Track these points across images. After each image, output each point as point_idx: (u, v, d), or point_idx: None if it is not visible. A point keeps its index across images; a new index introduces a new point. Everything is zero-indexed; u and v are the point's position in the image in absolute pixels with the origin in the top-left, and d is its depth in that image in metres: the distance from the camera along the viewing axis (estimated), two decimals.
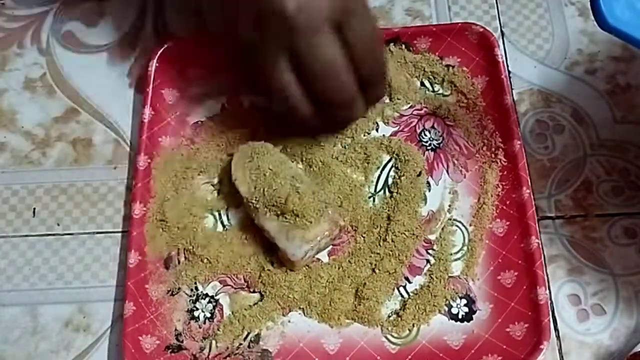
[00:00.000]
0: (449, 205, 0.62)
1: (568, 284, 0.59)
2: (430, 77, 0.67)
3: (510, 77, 0.67)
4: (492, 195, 0.61)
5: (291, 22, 0.53)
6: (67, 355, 0.59)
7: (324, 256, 0.61)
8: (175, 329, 0.59)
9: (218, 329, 0.58)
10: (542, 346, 0.54)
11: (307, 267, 0.60)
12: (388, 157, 0.64)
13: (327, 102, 0.58)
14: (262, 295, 0.59)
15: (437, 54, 0.68)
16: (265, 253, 0.61)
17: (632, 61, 0.67)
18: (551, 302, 0.58)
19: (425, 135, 0.65)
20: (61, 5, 0.74)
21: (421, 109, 0.66)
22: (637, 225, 0.61)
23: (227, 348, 0.58)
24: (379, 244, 0.60)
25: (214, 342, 0.58)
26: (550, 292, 0.59)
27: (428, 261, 0.60)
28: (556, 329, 0.58)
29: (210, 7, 0.59)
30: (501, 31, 0.70)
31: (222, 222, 0.63)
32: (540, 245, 0.58)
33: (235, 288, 0.60)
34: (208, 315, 0.59)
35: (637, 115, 0.65)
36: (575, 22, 0.70)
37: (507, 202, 0.61)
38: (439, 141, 0.65)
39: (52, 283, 0.62)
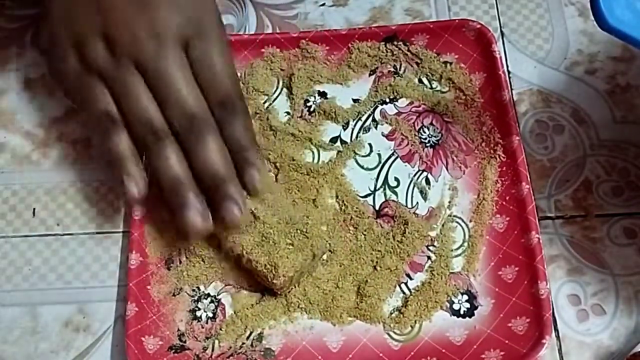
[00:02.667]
0: (449, 202, 0.62)
1: (568, 284, 0.59)
2: (428, 74, 0.67)
3: (510, 77, 0.67)
4: (491, 191, 0.61)
5: (141, 41, 0.54)
6: (66, 355, 0.59)
7: (323, 255, 0.60)
8: (178, 329, 0.59)
9: (221, 329, 0.58)
10: (544, 340, 0.54)
11: None
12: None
13: (179, 128, 0.56)
14: (263, 295, 0.59)
15: (434, 50, 0.68)
16: None
17: (632, 61, 0.67)
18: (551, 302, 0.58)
19: (424, 132, 0.65)
20: None
21: (419, 106, 0.66)
22: (637, 225, 0.61)
23: (230, 347, 0.58)
24: (380, 242, 0.60)
25: (216, 341, 0.58)
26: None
27: (429, 258, 0.60)
28: (556, 329, 0.58)
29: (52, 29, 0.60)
30: (501, 31, 0.70)
31: None
32: (541, 240, 0.58)
33: (237, 287, 0.60)
34: (210, 315, 0.59)
35: (637, 115, 0.65)
36: (575, 22, 0.70)
37: (507, 198, 0.61)
38: (438, 138, 0.65)
39: (52, 283, 0.61)
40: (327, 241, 0.60)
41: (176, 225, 0.57)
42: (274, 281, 0.56)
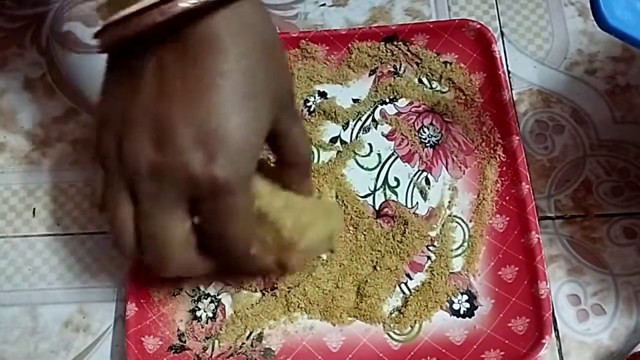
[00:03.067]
0: (449, 202, 0.62)
1: (568, 284, 0.59)
2: (428, 74, 0.67)
3: (510, 77, 0.67)
4: (491, 191, 0.61)
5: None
6: (66, 355, 0.59)
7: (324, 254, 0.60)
8: (178, 329, 0.59)
9: (221, 329, 0.58)
10: (544, 340, 0.54)
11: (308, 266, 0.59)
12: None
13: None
14: (263, 294, 0.59)
15: (434, 50, 0.68)
16: None
17: (632, 61, 0.67)
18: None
19: (424, 132, 0.65)
20: (61, 5, 0.74)
21: (419, 106, 0.66)
22: (636, 225, 0.61)
23: (230, 347, 0.58)
24: (380, 242, 0.60)
25: (216, 341, 0.58)
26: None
27: (429, 258, 0.60)
28: (556, 329, 0.58)
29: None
30: (501, 31, 0.70)
31: None
32: (541, 240, 0.58)
33: (237, 287, 0.60)
34: (210, 315, 0.59)
35: (637, 115, 0.65)
36: (575, 22, 0.70)
37: (507, 198, 0.61)
38: (438, 138, 0.64)
39: (52, 283, 0.61)
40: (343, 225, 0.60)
41: None
42: (297, 247, 0.50)
